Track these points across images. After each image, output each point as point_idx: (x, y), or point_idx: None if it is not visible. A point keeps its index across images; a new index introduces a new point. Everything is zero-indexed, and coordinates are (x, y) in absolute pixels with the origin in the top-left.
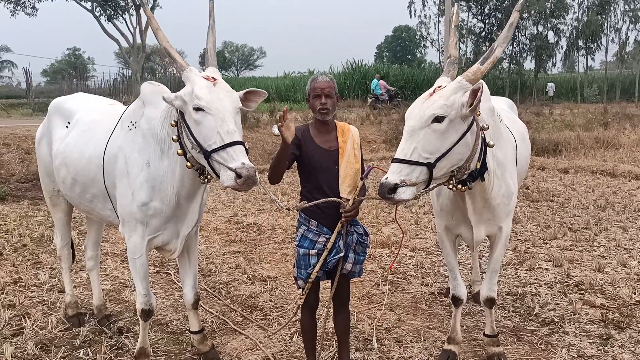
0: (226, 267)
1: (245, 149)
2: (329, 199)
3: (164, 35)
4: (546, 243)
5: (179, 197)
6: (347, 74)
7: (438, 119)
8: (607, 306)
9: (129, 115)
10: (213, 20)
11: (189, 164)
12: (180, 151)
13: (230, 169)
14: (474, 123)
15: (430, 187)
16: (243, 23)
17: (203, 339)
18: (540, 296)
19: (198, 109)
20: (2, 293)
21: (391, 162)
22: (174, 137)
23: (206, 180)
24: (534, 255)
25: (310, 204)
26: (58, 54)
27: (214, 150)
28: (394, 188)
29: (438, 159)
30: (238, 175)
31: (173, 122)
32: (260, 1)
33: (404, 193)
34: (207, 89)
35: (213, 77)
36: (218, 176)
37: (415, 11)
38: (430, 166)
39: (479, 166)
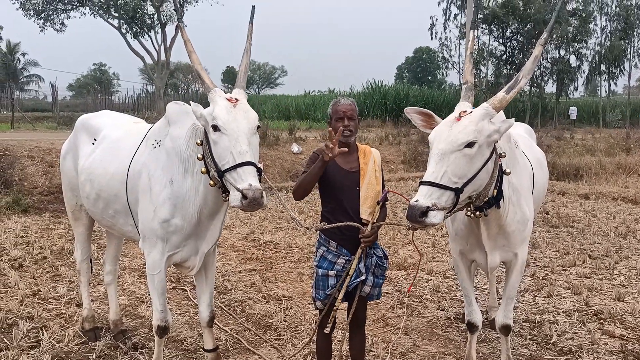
0: (242, 285)
1: (259, 169)
2: (347, 223)
3: (197, 57)
4: (565, 270)
5: (200, 214)
6: (367, 94)
7: (470, 144)
8: (627, 337)
9: (154, 133)
10: (250, 43)
11: (211, 182)
12: (204, 169)
13: (238, 189)
14: (494, 150)
15: (451, 213)
16: (265, 42)
17: (217, 357)
18: (558, 324)
19: (215, 129)
20: (22, 305)
21: (420, 184)
22: (199, 156)
23: (228, 198)
24: (552, 282)
25: (330, 226)
26: (84, 69)
27: (227, 170)
28: (426, 211)
29: (465, 184)
30: (244, 197)
31: (199, 141)
32: (282, 21)
33: (434, 217)
34: (225, 110)
35: (236, 99)
36: (228, 190)
37: (436, 33)
38: (457, 191)
39: (495, 193)
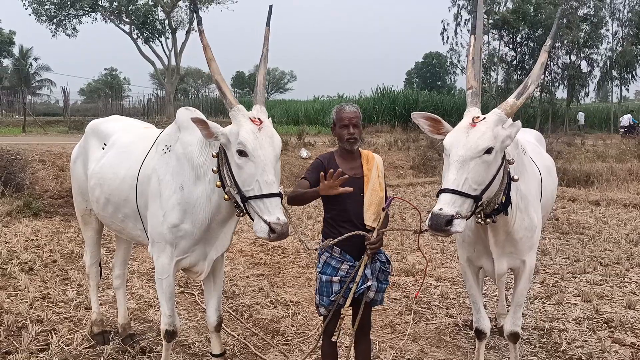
0: (249, 290)
1: (281, 196)
2: (353, 232)
3: (217, 66)
4: (575, 277)
5: (212, 221)
6: (376, 99)
7: (489, 150)
8: (638, 345)
9: (164, 138)
10: (267, 48)
11: (226, 196)
12: (219, 183)
13: (265, 221)
14: (504, 156)
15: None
16: (275, 47)
17: None
18: (567, 332)
19: (241, 154)
20: (31, 308)
21: (441, 192)
22: (214, 169)
23: (242, 214)
24: (562, 289)
25: (336, 240)
26: (95, 73)
27: (251, 197)
28: (451, 220)
29: (482, 191)
30: (272, 230)
31: (214, 154)
32: (292, 25)
33: (458, 225)
34: (252, 135)
35: (259, 119)
36: (252, 218)
37: (447, 38)
38: (477, 199)
39: (503, 200)
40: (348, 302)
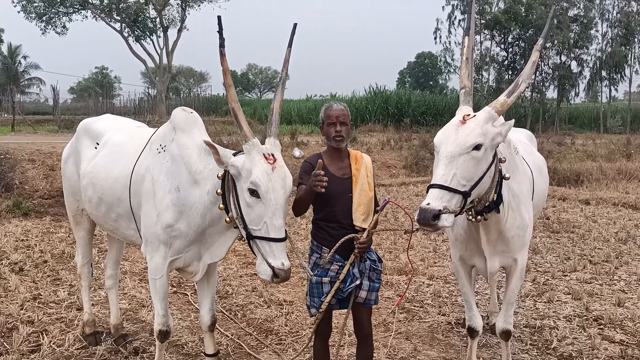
0: (243, 290)
1: (287, 238)
2: (345, 237)
3: (235, 94)
4: (566, 275)
5: (209, 226)
6: (369, 98)
7: (477, 147)
8: (627, 342)
9: (159, 138)
10: (286, 72)
11: (227, 219)
12: (222, 206)
13: (270, 265)
14: (495, 154)
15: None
16: (267, 46)
17: None
18: (558, 330)
19: (252, 193)
20: (22, 309)
21: (429, 187)
22: (219, 191)
23: (242, 238)
24: (553, 287)
25: (331, 252)
26: (86, 72)
27: (257, 237)
28: (438, 215)
29: (472, 188)
30: (275, 275)
31: (220, 175)
32: (284, 25)
33: (446, 220)
34: (266, 177)
35: (273, 156)
36: (255, 254)
37: (440, 37)
38: (465, 195)
39: (495, 198)
40: (328, 298)
